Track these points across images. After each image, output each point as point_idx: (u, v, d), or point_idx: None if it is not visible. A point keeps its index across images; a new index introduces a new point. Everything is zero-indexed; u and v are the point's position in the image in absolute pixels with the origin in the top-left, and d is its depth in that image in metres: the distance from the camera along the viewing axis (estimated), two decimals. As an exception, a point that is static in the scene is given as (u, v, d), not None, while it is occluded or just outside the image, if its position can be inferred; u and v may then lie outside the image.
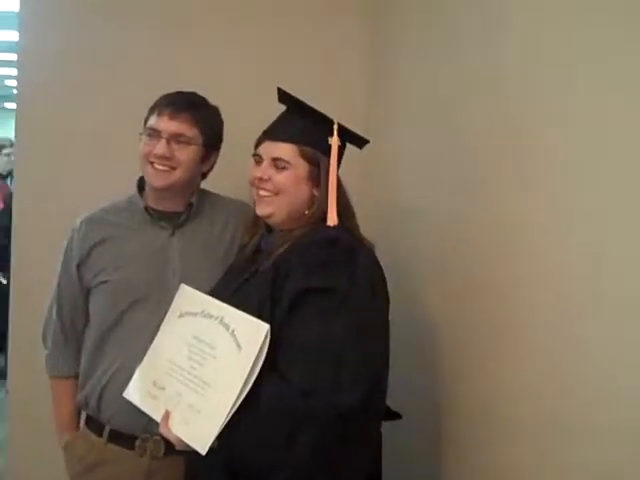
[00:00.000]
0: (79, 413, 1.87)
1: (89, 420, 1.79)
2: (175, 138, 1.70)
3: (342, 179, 1.59)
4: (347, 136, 1.60)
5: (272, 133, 1.60)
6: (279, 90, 1.59)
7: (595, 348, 1.15)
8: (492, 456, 1.48)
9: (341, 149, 1.59)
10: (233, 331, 1.42)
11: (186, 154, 1.71)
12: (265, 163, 1.58)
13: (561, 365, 1.24)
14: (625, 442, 1.08)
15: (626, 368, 1.07)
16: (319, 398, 1.32)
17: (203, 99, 1.79)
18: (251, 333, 1.39)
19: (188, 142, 1.71)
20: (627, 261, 1.08)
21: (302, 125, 1.57)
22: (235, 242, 1.79)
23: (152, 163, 1.71)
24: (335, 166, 1.55)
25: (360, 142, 1.66)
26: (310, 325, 1.38)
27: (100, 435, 1.74)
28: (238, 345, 1.40)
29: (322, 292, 1.39)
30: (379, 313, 1.46)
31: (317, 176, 1.56)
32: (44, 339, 1.89)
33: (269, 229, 1.65)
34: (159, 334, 1.61)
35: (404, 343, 1.57)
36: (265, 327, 1.37)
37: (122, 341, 1.72)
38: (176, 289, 1.65)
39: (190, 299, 1.58)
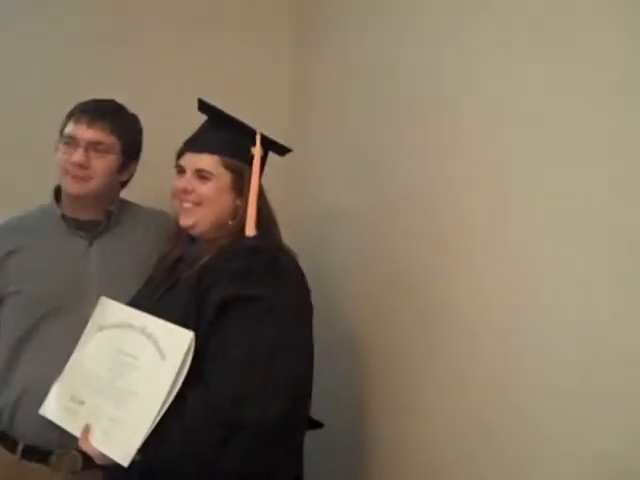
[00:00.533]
0: None
1: (1, 436, 1.71)
2: (93, 146, 1.68)
3: (265, 187, 1.61)
4: (270, 145, 1.62)
5: (194, 144, 1.60)
6: (199, 101, 1.59)
7: (524, 343, 1.18)
8: (414, 455, 1.52)
9: (263, 158, 1.61)
10: (156, 340, 1.41)
11: (104, 163, 1.70)
12: (188, 174, 1.57)
13: (478, 363, 1.29)
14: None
15: (558, 365, 1.10)
16: (247, 407, 1.32)
17: (121, 107, 1.78)
18: (175, 341, 1.38)
19: (106, 150, 1.70)
20: (561, 257, 1.11)
21: (224, 135, 1.58)
22: (155, 252, 1.76)
23: (69, 171, 1.68)
24: (257, 176, 1.57)
25: (283, 151, 1.67)
26: (235, 335, 1.38)
27: (13, 452, 1.67)
28: (162, 354, 1.39)
29: (247, 300, 1.40)
30: (304, 321, 1.48)
31: (240, 186, 1.57)
32: None
33: (192, 239, 1.64)
34: (78, 348, 1.57)
35: (327, 350, 1.58)
36: (189, 335, 1.36)
37: (35, 354, 1.66)
38: (94, 301, 1.62)
39: (110, 311, 1.56)
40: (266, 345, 1.37)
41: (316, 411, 1.53)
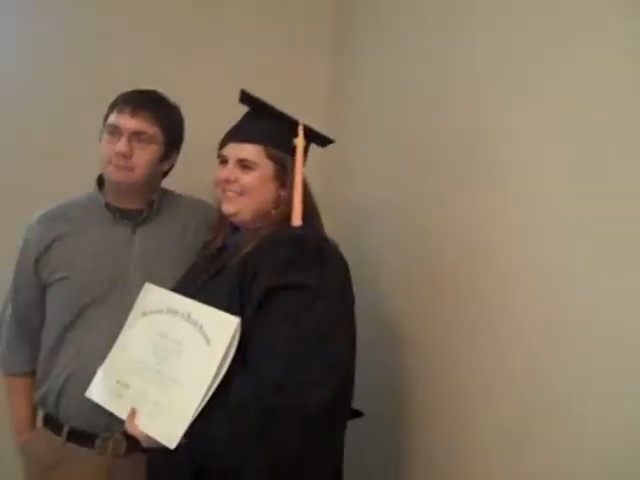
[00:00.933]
0: (36, 411, 1.84)
1: (47, 419, 1.77)
2: (136, 136, 1.70)
3: (307, 179, 1.62)
4: (312, 136, 1.63)
5: (237, 134, 1.61)
6: (242, 92, 1.60)
7: (565, 338, 1.17)
8: (455, 454, 1.52)
9: (305, 149, 1.62)
10: (201, 326, 1.43)
11: (146, 153, 1.72)
12: (231, 164, 1.59)
13: (529, 363, 1.27)
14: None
15: (601, 366, 1.09)
16: (289, 395, 1.33)
17: (164, 97, 1.80)
18: (221, 327, 1.39)
19: (149, 140, 1.72)
20: (594, 255, 1.11)
21: (267, 126, 1.59)
22: (197, 240, 1.79)
23: (112, 160, 1.70)
24: (301, 167, 1.57)
25: (325, 142, 1.69)
26: (281, 322, 1.39)
27: (59, 434, 1.72)
28: (207, 340, 1.40)
29: (293, 289, 1.41)
30: (348, 311, 1.49)
31: (283, 176, 1.58)
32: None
33: (234, 228, 1.66)
34: (123, 333, 1.60)
35: (367, 342, 1.59)
36: (235, 320, 1.38)
37: (81, 339, 1.70)
38: (137, 287, 1.65)
39: (155, 297, 1.59)
40: (310, 333, 1.38)
41: (355, 401, 1.53)
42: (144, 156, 1.71)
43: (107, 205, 1.77)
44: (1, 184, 2.22)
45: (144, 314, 1.58)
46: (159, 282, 1.63)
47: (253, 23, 2.41)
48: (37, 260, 1.75)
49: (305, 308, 1.40)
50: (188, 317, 1.46)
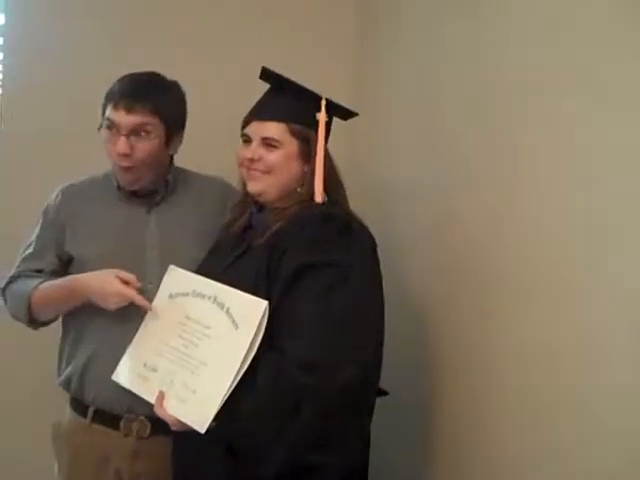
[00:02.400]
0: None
1: (73, 401, 1.76)
2: (134, 132, 1.64)
3: (332, 155, 1.59)
4: (335, 110, 1.59)
5: (260, 112, 1.58)
6: (263, 69, 1.58)
7: (595, 335, 1.15)
8: (483, 440, 1.50)
9: (329, 124, 1.58)
10: (228, 309, 1.41)
11: (148, 145, 1.66)
12: (254, 143, 1.56)
13: (556, 352, 1.25)
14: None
15: (626, 358, 1.07)
16: (318, 374, 1.33)
17: (160, 79, 1.72)
18: (248, 310, 1.38)
19: (148, 133, 1.65)
20: (627, 249, 1.08)
21: (290, 102, 1.56)
22: (214, 219, 1.76)
23: (116, 162, 1.67)
24: (323, 142, 1.54)
25: (348, 115, 1.64)
26: (311, 300, 1.38)
27: (84, 416, 1.72)
28: (235, 323, 1.39)
29: (322, 267, 1.40)
30: (377, 289, 1.47)
31: (308, 153, 1.55)
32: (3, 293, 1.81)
33: (259, 207, 1.63)
34: (148, 316, 1.59)
35: (391, 322, 1.55)
36: (264, 304, 1.36)
37: (104, 322, 1.68)
38: (155, 267, 1.66)
39: (180, 279, 1.57)
40: (339, 313, 1.37)
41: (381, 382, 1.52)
42: (145, 149, 1.66)
43: (119, 187, 1.75)
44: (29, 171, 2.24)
45: (170, 296, 1.57)
46: (176, 262, 1.63)
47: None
48: (58, 229, 1.75)
49: (333, 288, 1.39)
50: (215, 300, 1.45)
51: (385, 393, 1.63)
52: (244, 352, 1.35)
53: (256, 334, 1.35)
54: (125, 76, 1.70)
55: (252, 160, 1.55)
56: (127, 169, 1.67)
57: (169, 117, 1.69)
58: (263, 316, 1.36)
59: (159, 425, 1.54)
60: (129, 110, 1.63)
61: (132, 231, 1.73)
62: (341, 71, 2.40)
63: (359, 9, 2.41)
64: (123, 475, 1.71)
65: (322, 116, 1.55)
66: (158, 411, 1.44)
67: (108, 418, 1.69)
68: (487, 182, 1.51)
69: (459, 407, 1.60)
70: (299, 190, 1.56)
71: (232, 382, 1.35)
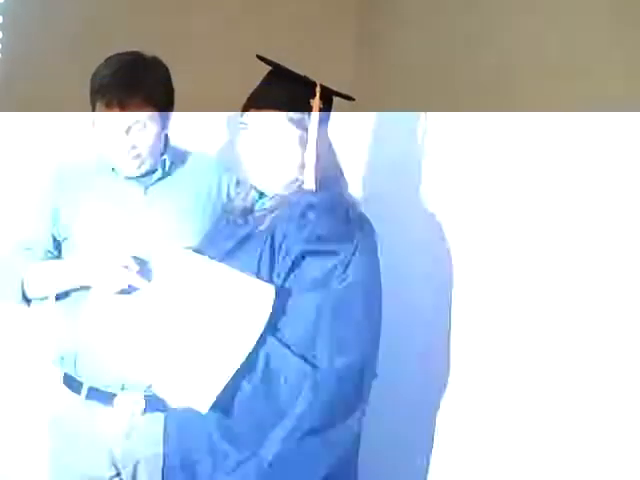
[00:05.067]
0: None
1: (66, 378, 1.77)
2: (132, 125, 1.62)
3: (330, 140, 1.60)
4: (330, 96, 1.60)
5: (257, 100, 1.58)
6: (258, 57, 1.58)
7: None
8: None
9: (328, 110, 1.59)
10: (233, 292, 1.42)
11: (149, 136, 1.66)
12: (253, 131, 1.56)
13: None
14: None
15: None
16: (319, 361, 1.37)
17: (143, 62, 1.67)
18: (255, 295, 1.39)
19: (146, 123, 1.64)
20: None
21: (286, 90, 1.56)
22: (211, 197, 1.76)
23: (118, 156, 1.67)
24: (315, 129, 1.54)
25: (344, 99, 1.64)
26: (310, 288, 1.41)
27: (78, 392, 1.72)
28: (240, 306, 1.40)
29: (323, 254, 1.42)
30: (377, 277, 1.49)
31: (307, 138, 1.55)
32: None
33: (260, 192, 1.64)
34: (147, 297, 1.58)
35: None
36: (271, 289, 1.38)
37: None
38: (154, 246, 1.65)
39: (183, 260, 1.57)
40: (340, 301, 1.40)
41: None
42: (147, 139, 1.66)
43: (114, 169, 1.73)
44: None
45: (169, 277, 1.56)
46: (175, 240, 1.63)
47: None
48: (53, 209, 1.74)
49: (336, 274, 1.41)
50: (218, 282, 1.45)
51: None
52: (249, 337, 1.37)
53: (262, 318, 1.37)
54: (107, 64, 1.65)
55: (251, 147, 1.56)
56: (132, 162, 1.67)
57: (162, 101, 1.67)
58: (270, 301, 1.37)
59: (153, 402, 1.57)
60: (122, 106, 1.60)
61: (129, 212, 1.72)
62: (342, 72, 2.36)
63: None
64: (116, 453, 1.72)
65: (316, 102, 1.55)
66: (157, 389, 1.47)
67: (102, 395, 1.70)
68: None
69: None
70: (300, 177, 1.56)
71: (237, 365, 1.37)
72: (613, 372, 1.14)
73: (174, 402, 1.45)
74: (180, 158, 1.81)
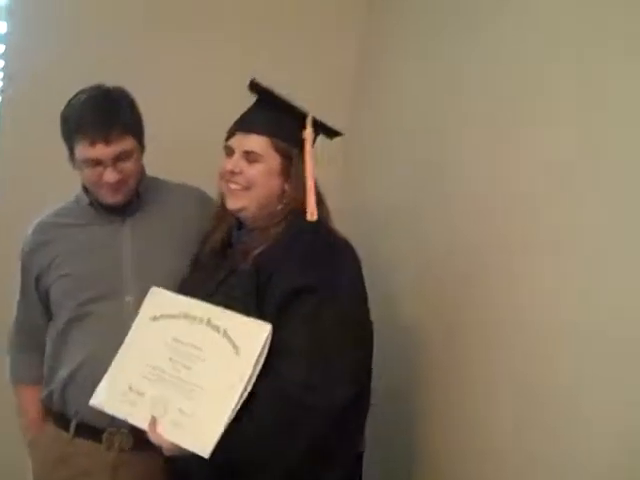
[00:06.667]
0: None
1: (54, 416, 1.75)
2: (118, 158, 1.63)
3: (321, 179, 1.58)
4: (321, 129, 1.58)
5: (243, 125, 1.57)
6: (252, 82, 1.56)
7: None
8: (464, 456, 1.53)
9: (312, 142, 1.57)
10: (226, 332, 1.41)
11: (132, 164, 1.67)
12: (236, 156, 1.55)
13: (552, 371, 1.25)
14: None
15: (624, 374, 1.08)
16: (316, 395, 1.36)
17: (115, 95, 1.68)
18: (251, 334, 1.38)
19: (130, 154, 1.66)
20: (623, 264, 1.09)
21: (275, 117, 1.55)
22: (191, 229, 1.75)
23: (103, 186, 1.67)
24: (311, 159, 1.53)
25: (333, 134, 1.64)
26: (304, 323, 1.40)
27: (67, 430, 1.71)
28: (235, 346, 1.39)
29: (312, 290, 1.41)
30: (365, 307, 1.49)
31: (289, 170, 1.55)
32: (8, 346, 1.87)
33: (238, 224, 1.63)
34: (129, 337, 1.56)
35: (379, 345, 1.57)
36: (268, 327, 1.37)
37: (83, 335, 1.70)
38: (132, 279, 1.67)
39: (164, 301, 1.55)
40: (333, 334, 1.40)
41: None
42: (132, 170, 1.67)
43: (91, 203, 1.74)
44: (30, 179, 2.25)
45: (154, 319, 1.54)
46: (152, 273, 1.64)
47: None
48: (36, 273, 1.75)
49: (325, 309, 1.40)
50: (209, 322, 1.44)
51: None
52: (247, 376, 1.35)
53: (259, 357, 1.36)
54: (78, 103, 1.65)
55: (233, 173, 1.55)
56: (117, 192, 1.68)
57: (137, 130, 1.69)
58: (267, 340, 1.36)
59: (141, 438, 1.55)
60: (108, 142, 1.60)
61: (106, 244, 1.73)
62: (339, 93, 2.39)
63: (362, 19, 2.40)
64: None
65: (308, 133, 1.54)
66: (152, 437, 1.42)
67: (91, 431, 1.69)
68: (484, 203, 1.52)
69: (449, 422, 1.61)
70: (279, 208, 1.55)
71: (235, 406, 1.35)
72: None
73: (169, 449, 1.41)
74: (159, 189, 1.81)
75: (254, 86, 1.56)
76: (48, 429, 1.77)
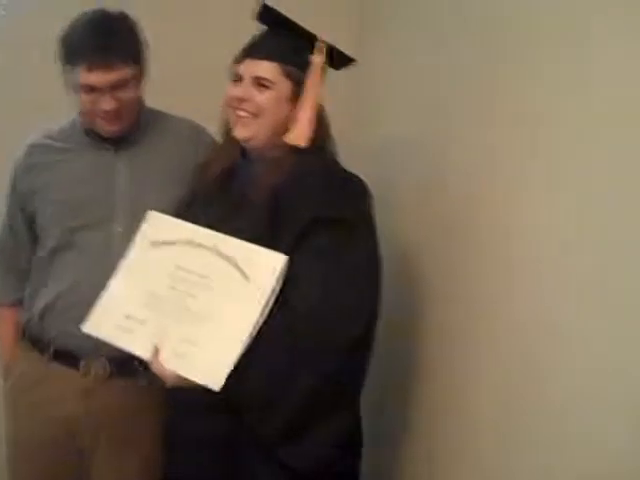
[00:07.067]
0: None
1: (32, 340, 1.71)
2: (116, 87, 1.58)
3: (327, 106, 1.54)
4: (332, 53, 1.52)
5: (254, 51, 1.50)
6: (264, 6, 1.49)
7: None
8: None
9: (324, 69, 1.52)
10: (236, 262, 1.34)
11: (132, 95, 1.62)
12: (246, 82, 1.49)
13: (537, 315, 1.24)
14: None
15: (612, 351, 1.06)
16: (329, 330, 1.34)
17: (116, 20, 1.62)
18: (264, 264, 1.33)
19: (128, 82, 1.60)
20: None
21: (286, 42, 1.49)
22: (186, 162, 1.70)
23: (99, 115, 1.61)
24: (316, 84, 1.48)
25: (346, 61, 1.58)
26: (321, 255, 1.37)
27: (44, 354, 1.68)
28: (245, 276, 1.33)
29: (331, 222, 1.38)
30: (377, 245, 1.47)
31: (299, 96, 1.49)
32: None
33: (242, 154, 1.56)
34: (124, 263, 1.48)
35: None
36: (283, 258, 1.32)
37: (68, 263, 1.67)
38: (125, 211, 1.64)
39: (165, 226, 1.47)
40: (348, 270, 1.37)
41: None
42: (131, 99, 1.62)
43: (86, 131, 1.69)
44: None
45: (154, 244, 1.46)
46: (145, 205, 1.56)
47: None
48: (24, 195, 1.72)
49: (343, 243, 1.38)
50: (216, 250, 1.37)
51: None
52: (261, 307, 1.30)
53: (273, 289, 1.31)
54: (78, 26, 1.59)
55: (241, 100, 1.48)
56: (114, 121, 1.62)
57: (139, 57, 1.64)
58: (282, 270, 1.31)
59: (119, 367, 1.60)
60: (105, 68, 1.55)
61: (99, 174, 1.68)
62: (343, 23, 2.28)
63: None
64: (77, 415, 1.67)
65: (317, 57, 1.48)
66: (154, 366, 1.35)
67: (68, 357, 1.66)
68: (488, 142, 1.48)
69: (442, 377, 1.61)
70: (285, 138, 1.49)
71: (248, 337, 1.30)
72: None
73: (172, 380, 1.34)
74: (156, 120, 1.77)
75: (265, 10, 1.50)
76: (26, 352, 1.73)
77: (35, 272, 1.73)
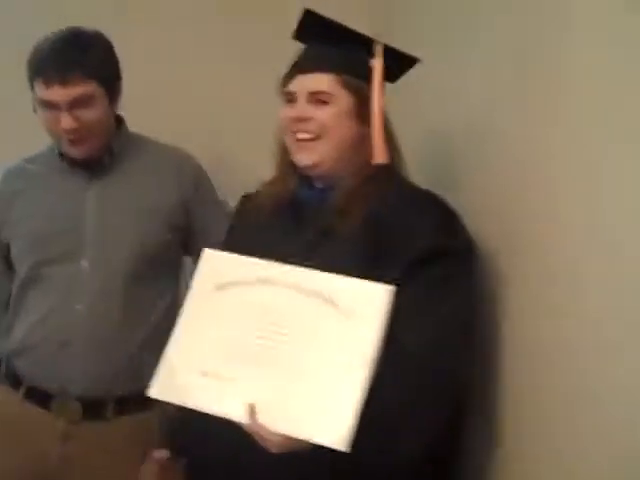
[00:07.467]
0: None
1: (8, 375, 1.68)
2: (75, 104, 1.53)
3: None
4: (392, 56, 1.39)
5: (304, 64, 1.37)
6: (307, 12, 1.36)
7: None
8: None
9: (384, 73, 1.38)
10: (328, 297, 1.18)
11: (93, 115, 1.57)
12: (301, 100, 1.35)
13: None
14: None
15: None
16: (445, 355, 1.23)
17: (83, 36, 1.58)
18: (368, 299, 1.17)
19: (89, 100, 1.55)
20: None
21: (339, 50, 1.35)
22: (166, 194, 1.65)
23: (62, 136, 1.57)
24: (380, 93, 1.35)
25: (409, 62, 1.44)
26: (430, 291, 1.25)
27: (17, 391, 1.65)
28: (345, 314, 1.17)
29: (447, 254, 1.26)
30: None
31: (363, 110, 1.35)
32: None
33: (304, 178, 1.41)
34: (187, 314, 1.30)
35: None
36: (389, 289, 1.16)
37: (36, 299, 1.65)
38: (93, 245, 1.61)
39: (227, 265, 1.30)
40: (460, 307, 1.27)
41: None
42: (92, 118, 1.57)
43: (61, 154, 1.65)
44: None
45: (219, 287, 1.28)
46: (116, 238, 1.59)
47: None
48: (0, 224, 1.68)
49: (457, 277, 1.27)
50: (300, 287, 1.21)
51: None
52: (372, 347, 1.14)
53: (382, 325, 1.15)
54: (43, 42, 1.56)
55: (300, 120, 1.34)
56: (76, 142, 1.58)
57: (106, 76, 1.59)
58: (389, 303, 1.16)
59: (92, 409, 1.57)
60: (63, 83, 1.51)
61: (69, 204, 1.65)
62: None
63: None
64: (51, 458, 1.61)
65: (377, 62, 1.35)
66: (253, 429, 1.15)
67: (40, 396, 1.62)
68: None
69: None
70: (357, 158, 1.36)
71: (364, 383, 1.13)
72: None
73: (277, 444, 1.15)
74: (138, 147, 1.71)
75: (310, 17, 1.37)
76: (4, 387, 1.69)
77: (12, 304, 1.69)
